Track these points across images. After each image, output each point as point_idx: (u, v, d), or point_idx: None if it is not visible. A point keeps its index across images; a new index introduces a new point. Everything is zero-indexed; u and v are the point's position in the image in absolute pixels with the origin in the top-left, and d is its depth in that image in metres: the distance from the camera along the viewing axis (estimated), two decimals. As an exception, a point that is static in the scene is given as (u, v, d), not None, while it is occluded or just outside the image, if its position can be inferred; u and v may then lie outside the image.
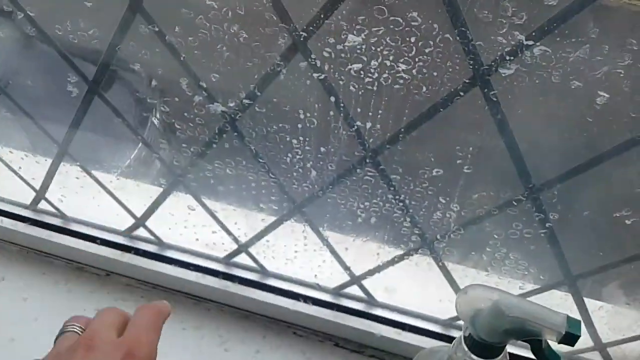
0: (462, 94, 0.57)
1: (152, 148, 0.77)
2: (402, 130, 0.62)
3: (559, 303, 0.78)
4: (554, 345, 0.60)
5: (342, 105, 0.61)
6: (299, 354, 0.95)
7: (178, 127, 0.71)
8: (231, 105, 0.66)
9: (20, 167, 0.92)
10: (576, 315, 0.80)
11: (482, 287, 0.62)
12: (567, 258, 0.71)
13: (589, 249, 0.69)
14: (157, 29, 0.61)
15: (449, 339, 0.91)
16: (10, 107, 0.80)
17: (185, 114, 0.69)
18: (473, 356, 0.64)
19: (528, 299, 0.77)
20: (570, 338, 0.57)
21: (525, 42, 0.51)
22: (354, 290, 0.92)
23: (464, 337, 0.64)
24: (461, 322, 0.91)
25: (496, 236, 0.71)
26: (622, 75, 0.50)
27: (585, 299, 0.76)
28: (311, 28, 0.56)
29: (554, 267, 0.73)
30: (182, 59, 0.63)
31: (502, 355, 0.64)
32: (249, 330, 0.97)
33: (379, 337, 0.91)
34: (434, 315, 0.90)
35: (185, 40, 0.61)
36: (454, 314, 0.89)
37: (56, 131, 0.81)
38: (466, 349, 0.64)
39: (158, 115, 0.70)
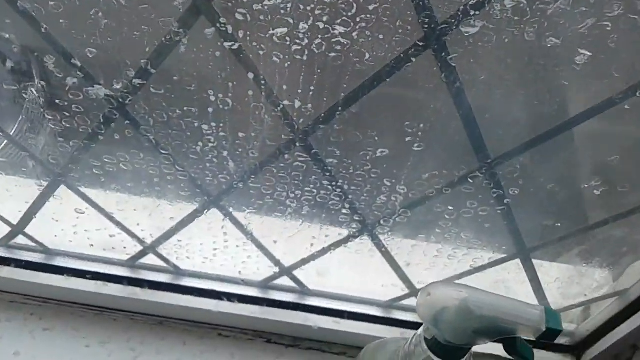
0: (412, 59, 0.46)
1: (18, 144, 0.60)
2: (340, 105, 0.50)
3: (512, 276, 0.72)
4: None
5: (262, 81, 0.48)
6: (227, 356, 0.84)
7: (50, 117, 0.55)
8: (117, 87, 0.51)
9: None
10: (527, 286, 0.74)
11: (446, 285, 0.53)
12: (521, 231, 0.64)
13: (547, 221, 0.62)
14: (2, -8, 0.44)
15: (393, 323, 0.84)
16: None
17: (57, 101, 0.53)
18: (435, 358, 0.56)
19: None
20: (550, 334, 0.51)
21: (495, -7, 0.40)
22: (285, 281, 0.82)
23: (426, 338, 0.56)
24: (403, 303, 0.84)
25: (447, 216, 0.62)
26: (608, 29, 0.41)
27: (542, 264, 0.70)
28: (218, -16, 0.42)
29: (508, 241, 0.66)
30: (43, 30, 0.47)
31: (467, 356, 0.56)
32: (166, 338, 0.84)
33: (316, 329, 0.82)
34: (376, 299, 0.82)
35: (45, 6, 0.44)
36: (395, 295, 0.82)
37: None
38: (428, 351, 0.56)
39: (26, 105, 0.54)
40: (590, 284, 0.71)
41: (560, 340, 0.81)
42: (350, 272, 0.78)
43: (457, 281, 0.72)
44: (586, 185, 0.55)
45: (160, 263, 0.81)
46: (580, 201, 0.58)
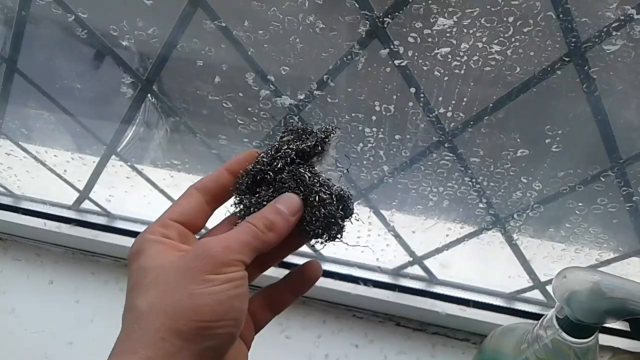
0: (557, 72, 0.54)
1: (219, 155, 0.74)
2: (489, 109, 0.59)
3: (637, 271, 0.76)
4: None
5: (422, 94, 0.58)
6: (361, 336, 0.94)
7: (240, 122, 0.67)
8: (301, 97, 0.63)
9: (65, 170, 0.89)
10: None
11: (580, 269, 0.60)
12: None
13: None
14: (223, 24, 0.57)
15: (514, 312, 0.90)
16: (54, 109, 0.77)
17: (249, 109, 0.66)
18: (565, 336, 0.63)
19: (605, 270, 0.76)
20: (677, 316, 0.56)
21: (635, 16, 0.47)
22: (415, 270, 0.91)
23: (558, 317, 0.63)
24: (526, 295, 0.90)
25: (578, 212, 0.69)
26: None
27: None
28: (396, 13, 0.52)
29: (633, 238, 0.71)
30: (249, 53, 0.59)
31: (594, 335, 0.62)
32: (308, 316, 0.96)
33: (443, 315, 0.90)
34: (500, 290, 0.89)
35: (255, 34, 0.57)
36: (520, 287, 0.88)
37: (105, 131, 0.77)
38: (559, 329, 0.63)
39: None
40: None
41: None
42: (480, 263, 0.86)
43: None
44: None
45: (304, 249, 0.92)
46: None
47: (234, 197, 0.47)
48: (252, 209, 0.45)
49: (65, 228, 0.99)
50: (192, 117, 0.69)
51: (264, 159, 0.46)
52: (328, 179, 0.46)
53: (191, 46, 0.60)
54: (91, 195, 0.94)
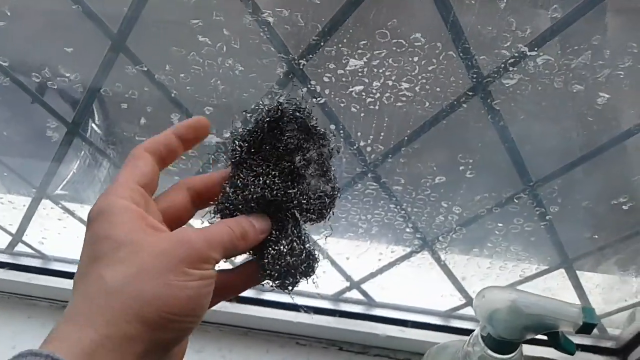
0: (464, 105, 0.57)
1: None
2: (405, 141, 0.62)
3: (558, 284, 0.81)
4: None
5: (342, 128, 0.61)
6: (304, 362, 0.95)
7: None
8: (226, 135, 0.65)
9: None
10: (572, 293, 0.83)
11: (498, 288, 0.63)
12: (564, 243, 0.74)
13: (585, 234, 0.72)
14: (145, 69, 0.59)
15: (451, 330, 0.93)
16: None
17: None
18: (491, 352, 0.66)
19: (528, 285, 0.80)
20: (587, 327, 0.60)
21: (528, 53, 0.51)
22: (354, 294, 0.93)
23: (482, 335, 0.66)
24: (460, 312, 0.94)
25: (497, 232, 0.73)
26: (622, 76, 0.52)
27: (584, 273, 0.80)
28: (310, 56, 0.55)
29: (552, 253, 0.76)
30: (173, 95, 0.61)
31: (518, 349, 0.66)
32: (252, 346, 0.96)
33: (383, 337, 0.92)
34: (436, 308, 0.92)
35: (177, 77, 0.58)
36: (454, 305, 0.92)
37: (33, 174, 0.77)
38: (484, 346, 0.66)
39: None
40: (629, 290, 0.80)
41: (606, 344, 0.89)
42: (414, 284, 0.89)
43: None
44: (615, 202, 0.65)
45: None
46: (612, 215, 0.68)
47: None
48: (231, 205, 0.43)
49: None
50: (121, 158, 0.70)
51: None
52: (307, 233, 0.45)
53: (114, 90, 0.61)
54: (24, 238, 0.92)
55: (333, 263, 0.84)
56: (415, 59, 0.53)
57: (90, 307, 0.36)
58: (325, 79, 0.56)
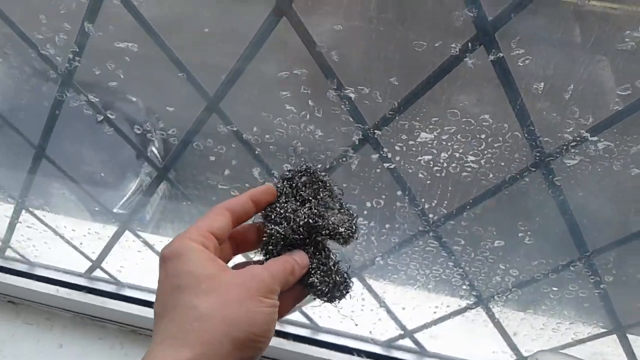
0: (526, 179, 0.61)
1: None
2: (467, 206, 0.66)
3: (609, 351, 0.82)
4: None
5: (408, 191, 0.65)
6: (354, 405, 0.98)
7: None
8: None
9: (81, 243, 0.96)
10: (624, 359, 0.84)
11: (552, 352, 0.66)
12: (617, 311, 0.76)
13: (638, 303, 0.74)
14: (235, 129, 0.65)
15: (499, 385, 0.95)
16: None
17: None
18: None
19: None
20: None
21: (590, 138, 0.55)
22: (406, 342, 0.96)
23: (532, 397, 0.68)
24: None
25: (552, 296, 0.75)
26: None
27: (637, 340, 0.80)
28: (385, 127, 0.60)
29: (606, 320, 0.77)
30: (256, 152, 0.67)
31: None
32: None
33: (433, 386, 0.95)
34: (486, 363, 0.94)
35: (262, 138, 0.65)
36: (504, 360, 0.94)
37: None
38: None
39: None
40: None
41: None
42: (466, 339, 0.91)
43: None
44: (671, 277, 0.67)
45: (303, 319, 0.98)
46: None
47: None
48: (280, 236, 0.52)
49: (76, 295, 1.05)
50: (203, 203, 0.77)
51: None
52: (337, 259, 0.55)
53: (205, 144, 0.68)
54: (103, 265, 1.00)
55: (389, 311, 0.88)
56: (483, 136, 0.58)
57: (184, 330, 0.44)
58: (397, 148, 0.61)
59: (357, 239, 0.54)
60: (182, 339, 0.43)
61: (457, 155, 0.60)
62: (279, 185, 0.55)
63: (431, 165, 0.62)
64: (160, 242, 0.91)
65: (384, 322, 0.91)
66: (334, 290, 0.53)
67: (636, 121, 0.53)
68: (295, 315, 0.98)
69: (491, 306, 0.81)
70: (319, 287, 0.52)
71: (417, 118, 0.58)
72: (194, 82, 0.63)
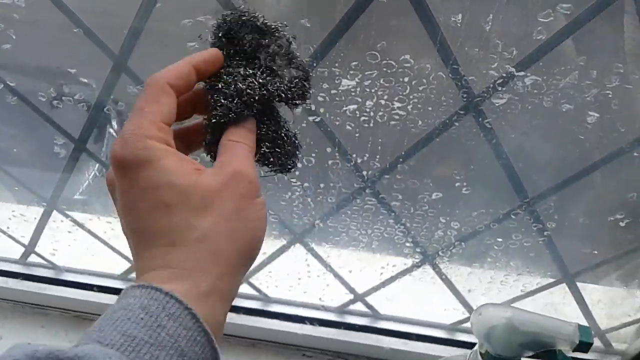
0: (456, 123, 0.58)
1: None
2: (400, 159, 0.63)
3: (561, 299, 0.81)
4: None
5: (338, 145, 0.62)
6: (310, 374, 0.96)
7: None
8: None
9: (8, 227, 0.90)
10: (575, 308, 0.83)
11: (494, 306, 0.64)
12: (564, 258, 0.74)
13: (584, 249, 0.72)
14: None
15: (455, 343, 0.93)
16: None
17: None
18: (490, 370, 0.66)
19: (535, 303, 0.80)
20: (583, 346, 0.60)
21: (516, 74, 0.52)
22: (358, 306, 0.94)
23: (480, 353, 0.66)
24: (464, 325, 0.94)
25: (496, 247, 0.73)
26: (610, 95, 0.52)
27: (586, 287, 0.79)
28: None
29: (554, 268, 0.76)
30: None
31: (516, 367, 0.66)
32: (259, 357, 0.98)
33: (387, 350, 0.93)
34: (439, 322, 0.92)
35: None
36: (457, 318, 0.92)
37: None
38: (483, 363, 0.66)
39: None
40: (633, 304, 0.80)
41: (612, 358, 0.89)
42: (416, 298, 0.89)
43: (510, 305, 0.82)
44: (612, 218, 0.65)
45: (252, 292, 0.95)
46: (610, 231, 0.68)
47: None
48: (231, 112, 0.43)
49: (12, 282, 0.99)
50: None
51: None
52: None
53: (117, 108, 0.63)
54: (36, 249, 0.95)
55: (336, 276, 0.85)
56: (406, 79, 0.54)
57: (193, 253, 0.38)
58: (320, 98, 0.58)
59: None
60: (196, 264, 0.38)
61: (383, 102, 0.57)
62: (218, 44, 0.45)
63: (357, 116, 0.59)
64: (90, 219, 0.86)
65: (333, 287, 0.89)
66: (287, 160, 0.45)
67: (563, 52, 0.49)
68: (244, 288, 0.95)
69: (437, 262, 0.78)
70: (271, 160, 0.44)
71: (336, 64, 0.54)
72: (95, 39, 0.58)
